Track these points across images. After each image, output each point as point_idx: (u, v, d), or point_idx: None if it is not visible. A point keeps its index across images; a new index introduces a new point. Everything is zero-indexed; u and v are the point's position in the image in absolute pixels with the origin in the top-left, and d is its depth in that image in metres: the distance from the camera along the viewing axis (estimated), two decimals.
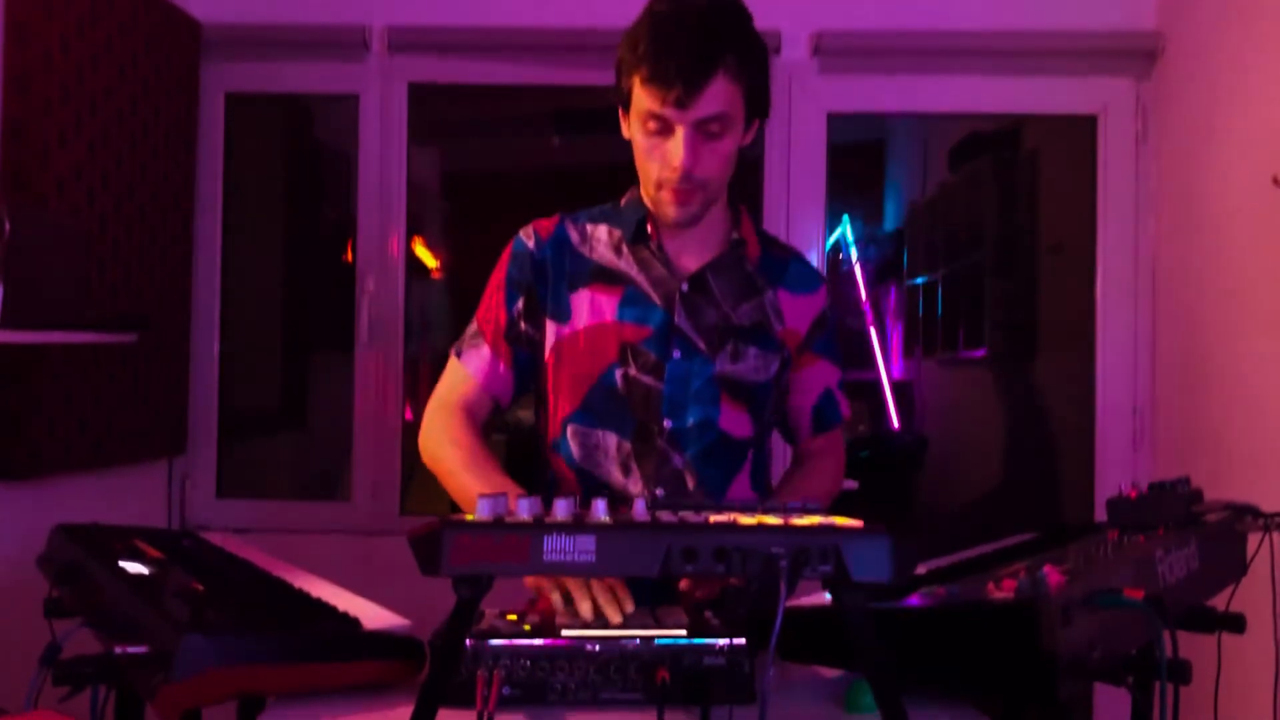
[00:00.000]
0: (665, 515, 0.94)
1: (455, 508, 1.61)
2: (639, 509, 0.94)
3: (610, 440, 1.53)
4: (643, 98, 1.41)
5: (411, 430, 3.21)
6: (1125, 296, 2.90)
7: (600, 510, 0.92)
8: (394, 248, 2.95)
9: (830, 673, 1.26)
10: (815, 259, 2.94)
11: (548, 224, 1.62)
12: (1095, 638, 1.02)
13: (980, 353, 4.65)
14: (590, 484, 1.54)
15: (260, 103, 3.15)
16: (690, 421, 1.52)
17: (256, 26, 2.90)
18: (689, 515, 0.95)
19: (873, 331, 5.41)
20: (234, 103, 2.99)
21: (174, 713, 1.01)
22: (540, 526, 0.87)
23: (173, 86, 2.71)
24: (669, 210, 1.49)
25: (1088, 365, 2.96)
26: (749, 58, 1.42)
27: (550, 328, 1.57)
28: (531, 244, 1.60)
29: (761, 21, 3.02)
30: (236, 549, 1.54)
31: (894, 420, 5.15)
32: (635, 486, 1.52)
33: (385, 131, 2.95)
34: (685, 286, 1.54)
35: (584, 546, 0.87)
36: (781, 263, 1.63)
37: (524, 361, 1.60)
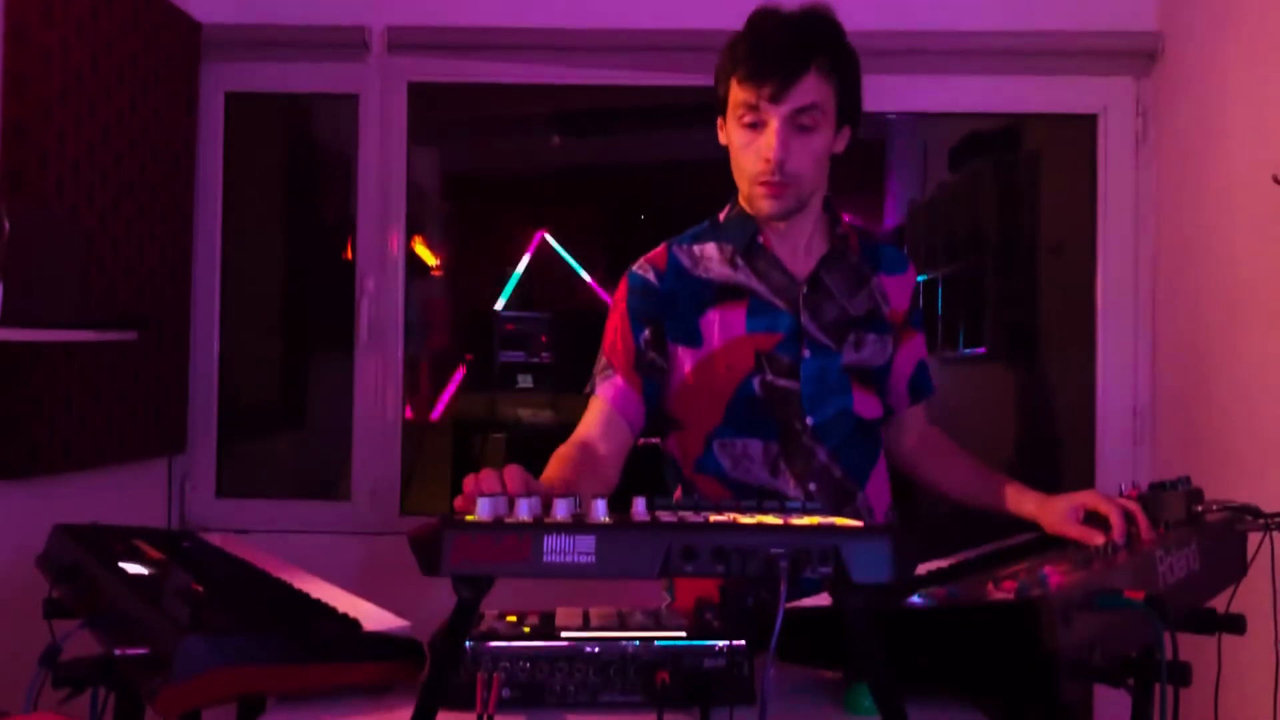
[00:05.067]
0: (665, 515, 0.94)
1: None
2: (639, 509, 0.94)
3: (755, 447, 1.60)
4: (739, 93, 1.51)
5: (411, 430, 3.22)
6: (1125, 296, 2.90)
7: (600, 510, 0.91)
8: (394, 247, 2.95)
9: (831, 674, 1.26)
10: None
11: (659, 256, 1.66)
12: (1095, 638, 1.02)
13: (980, 351, 4.65)
14: (744, 493, 1.59)
15: (260, 102, 3.14)
16: (830, 414, 1.60)
17: (256, 26, 2.90)
18: (688, 515, 0.95)
19: None
20: (234, 102, 2.99)
21: (173, 714, 1.01)
22: (540, 527, 0.87)
23: (172, 86, 2.71)
24: (762, 205, 1.55)
25: (1088, 365, 2.95)
26: (841, 62, 1.54)
27: (683, 354, 1.61)
28: (652, 277, 1.64)
29: None
30: (236, 549, 1.54)
31: None
32: (786, 485, 1.59)
33: (385, 131, 2.94)
34: (805, 289, 1.60)
35: (583, 547, 0.87)
36: (875, 249, 1.71)
37: (653, 390, 1.63)
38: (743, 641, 1.12)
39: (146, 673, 1.02)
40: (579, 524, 0.88)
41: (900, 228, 5.63)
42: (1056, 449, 3.75)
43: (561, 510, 0.91)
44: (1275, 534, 1.43)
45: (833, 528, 0.90)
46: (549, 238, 4.05)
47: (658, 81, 2.90)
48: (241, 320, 3.10)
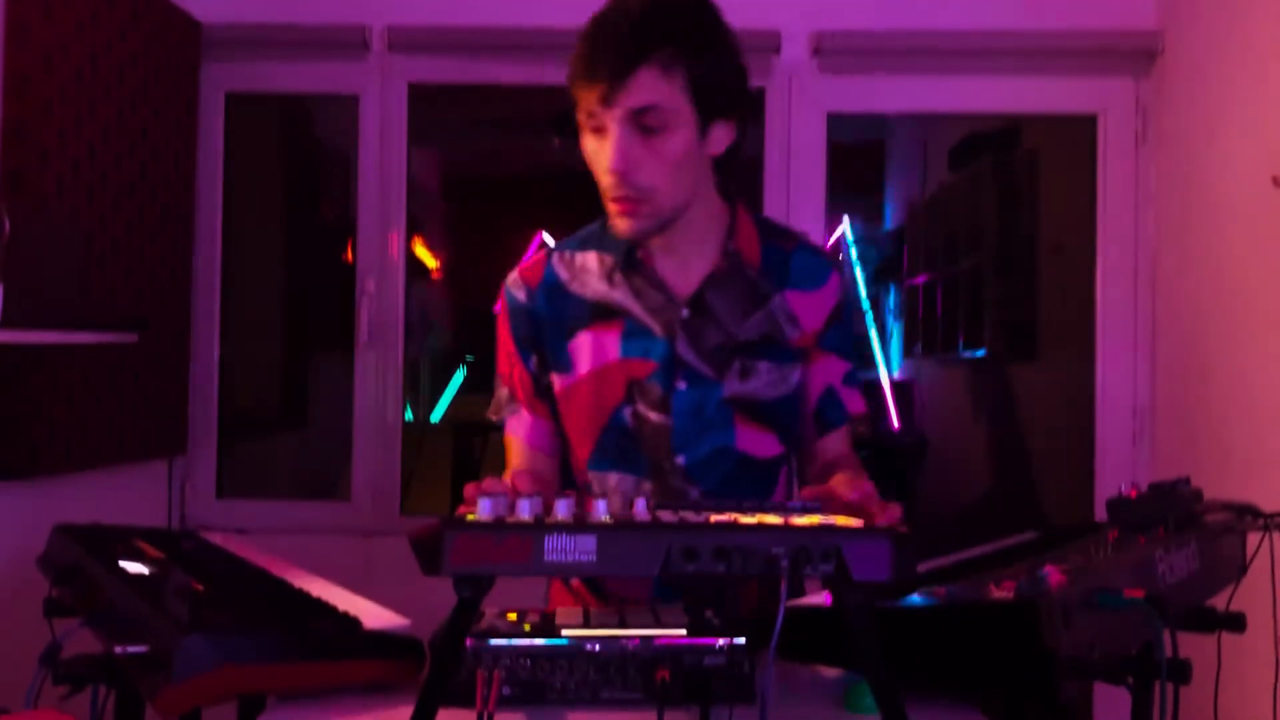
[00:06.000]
0: (666, 515, 0.94)
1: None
2: (640, 508, 0.94)
3: (627, 483, 1.48)
4: (578, 97, 1.34)
5: (411, 430, 3.22)
6: (1125, 296, 2.90)
7: (601, 510, 0.91)
8: (394, 248, 2.95)
9: (831, 673, 1.26)
10: None
11: (534, 268, 1.51)
12: (1095, 637, 1.02)
13: (980, 353, 4.66)
14: None
15: (260, 103, 3.15)
16: (704, 452, 1.45)
17: (256, 26, 2.90)
18: (689, 515, 0.95)
19: (873, 331, 5.42)
20: (234, 103, 2.99)
21: (174, 713, 1.01)
22: (541, 527, 0.87)
23: (173, 86, 2.71)
24: (618, 224, 1.38)
25: (1088, 365, 2.96)
26: (693, 51, 1.31)
27: (555, 379, 1.49)
28: (523, 296, 1.50)
29: (761, 21, 3.02)
30: (237, 549, 1.54)
31: (894, 420, 5.16)
32: None
33: (385, 132, 2.95)
34: (685, 313, 1.44)
35: (584, 546, 0.87)
36: (783, 258, 1.49)
37: None
38: (743, 640, 1.12)
39: (147, 671, 1.02)
40: (580, 524, 0.88)
41: (900, 228, 5.65)
42: (1056, 449, 3.76)
43: (562, 510, 0.91)
44: (1275, 533, 1.43)
45: (833, 527, 0.90)
46: (549, 238, 4.05)
47: None
48: (242, 321, 3.10)
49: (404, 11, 2.91)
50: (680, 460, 1.45)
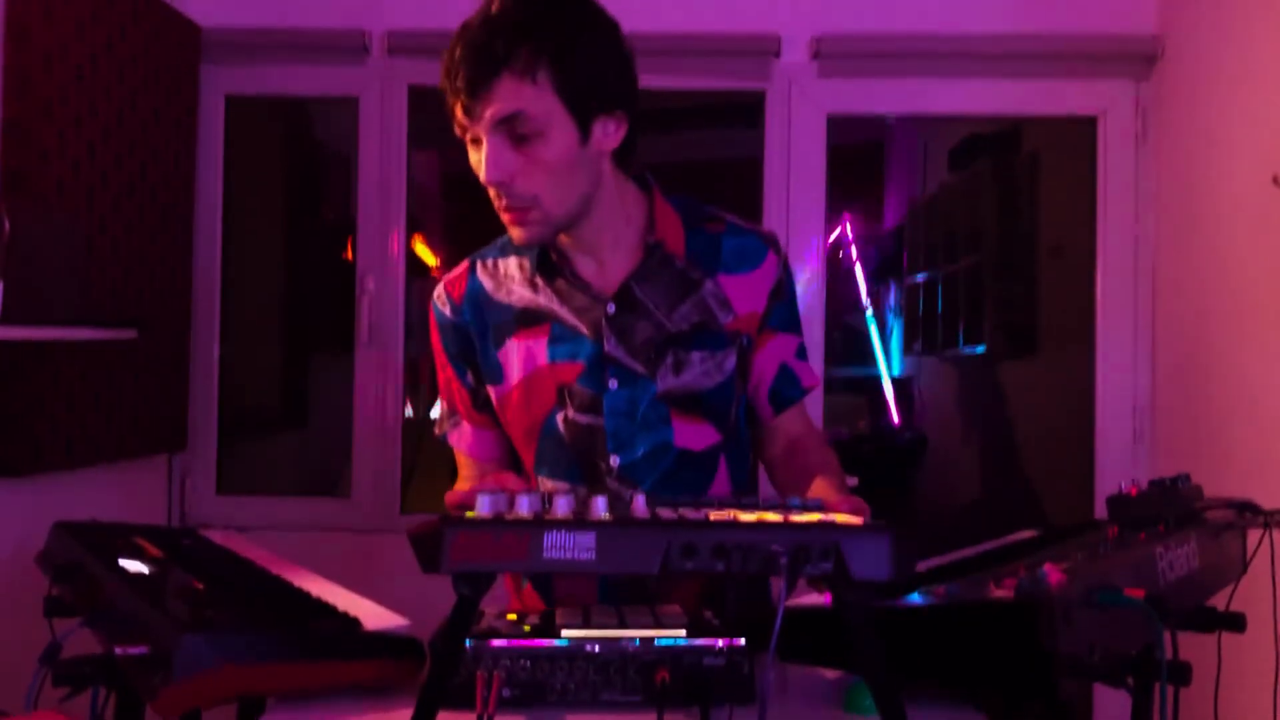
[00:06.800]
0: (665, 512, 0.94)
1: None
2: (639, 506, 0.94)
3: (562, 490, 1.44)
4: (450, 112, 1.30)
5: (411, 428, 3.22)
6: (1125, 296, 2.90)
7: (600, 507, 0.91)
8: (394, 248, 2.95)
9: (831, 673, 1.26)
10: (815, 258, 2.94)
11: (458, 281, 1.50)
12: (1095, 637, 1.02)
13: (980, 349, 4.66)
14: None
15: (260, 105, 3.15)
16: (641, 452, 1.43)
17: (256, 30, 2.91)
18: (688, 512, 0.95)
19: (873, 329, 5.42)
20: (234, 104, 2.99)
21: (174, 713, 1.01)
22: (540, 524, 0.87)
23: (172, 88, 2.71)
24: (511, 233, 1.35)
25: (1088, 364, 2.96)
26: (557, 52, 1.25)
27: (491, 392, 1.48)
28: (448, 311, 1.49)
29: (761, 25, 3.03)
30: (237, 547, 1.54)
31: (894, 417, 5.16)
32: None
33: (385, 134, 2.95)
34: (611, 308, 1.41)
35: (584, 544, 0.87)
36: (714, 242, 1.45)
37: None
38: (742, 641, 1.12)
39: (147, 671, 1.02)
40: (580, 521, 0.88)
41: (900, 227, 5.65)
42: (1056, 448, 3.76)
43: (562, 507, 0.91)
44: (1275, 531, 1.43)
45: (833, 525, 0.90)
46: None
47: (654, 84, 2.90)
48: (242, 320, 3.10)
49: (403, 15, 2.91)
50: (615, 461, 1.42)
